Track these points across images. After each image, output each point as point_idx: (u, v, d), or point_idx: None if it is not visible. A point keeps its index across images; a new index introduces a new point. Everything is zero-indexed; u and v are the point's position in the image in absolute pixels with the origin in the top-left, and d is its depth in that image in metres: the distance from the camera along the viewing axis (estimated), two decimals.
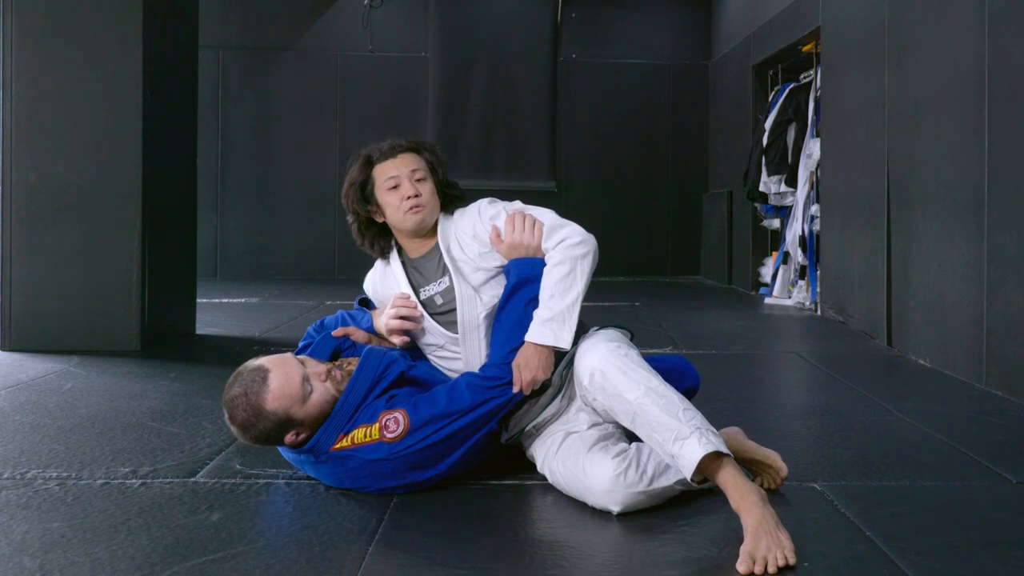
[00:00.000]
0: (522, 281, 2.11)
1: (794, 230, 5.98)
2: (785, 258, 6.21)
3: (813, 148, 5.72)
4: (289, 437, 1.97)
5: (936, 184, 3.80)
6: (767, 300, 6.20)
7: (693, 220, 8.48)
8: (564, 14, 8.42)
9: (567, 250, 2.10)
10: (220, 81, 8.02)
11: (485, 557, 1.68)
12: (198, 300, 4.75)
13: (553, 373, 2.05)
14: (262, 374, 1.96)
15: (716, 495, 1.97)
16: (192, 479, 2.13)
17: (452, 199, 2.29)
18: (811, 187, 5.75)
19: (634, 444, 1.98)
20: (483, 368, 2.08)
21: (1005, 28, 3.25)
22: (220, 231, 8.01)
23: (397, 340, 2.23)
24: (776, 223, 6.52)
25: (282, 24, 8.16)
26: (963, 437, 2.57)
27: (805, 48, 6.04)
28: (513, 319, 2.08)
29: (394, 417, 1.95)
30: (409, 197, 2.18)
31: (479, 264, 2.19)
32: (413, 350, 2.30)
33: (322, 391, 1.99)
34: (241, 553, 1.67)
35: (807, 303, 5.79)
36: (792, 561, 1.60)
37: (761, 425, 2.65)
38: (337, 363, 2.11)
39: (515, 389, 2.01)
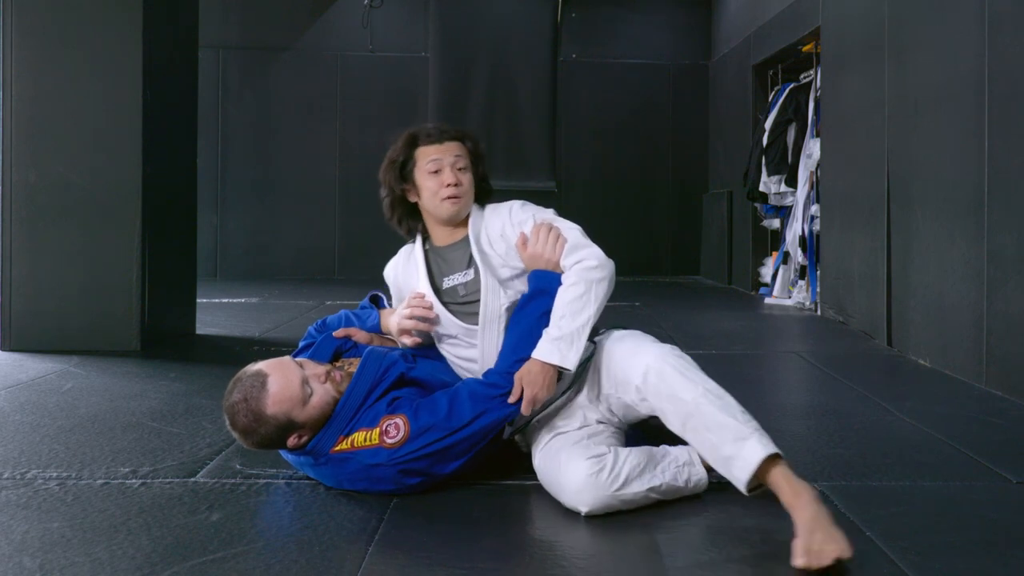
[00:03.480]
0: (540, 291, 2.09)
1: (794, 230, 5.98)
2: (785, 258, 6.22)
3: (813, 148, 5.72)
4: (291, 440, 1.97)
5: (936, 184, 3.80)
6: (767, 300, 6.20)
7: (693, 220, 8.48)
8: (564, 14, 8.42)
9: (583, 272, 2.08)
10: (220, 81, 8.02)
11: (485, 557, 1.68)
12: (198, 300, 4.75)
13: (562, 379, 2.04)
14: (261, 379, 1.95)
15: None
16: (192, 479, 2.13)
17: (485, 193, 2.30)
18: (811, 187, 5.75)
19: (613, 448, 1.96)
20: (487, 374, 2.06)
21: (1005, 28, 3.25)
22: (220, 231, 8.01)
23: (408, 341, 2.23)
24: (776, 223, 6.52)
25: (282, 24, 8.16)
26: (963, 437, 2.57)
27: (805, 48, 6.04)
28: (524, 327, 2.06)
29: (395, 423, 1.94)
30: (449, 185, 2.17)
31: (505, 261, 2.19)
32: (426, 347, 2.29)
33: (322, 393, 1.98)
34: (241, 553, 1.67)
35: (807, 303, 5.79)
36: (848, 555, 1.58)
37: (761, 425, 2.64)
38: (337, 364, 2.11)
39: (511, 399, 1.98)
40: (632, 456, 1.93)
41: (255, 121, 8.13)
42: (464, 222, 2.24)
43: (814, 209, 5.64)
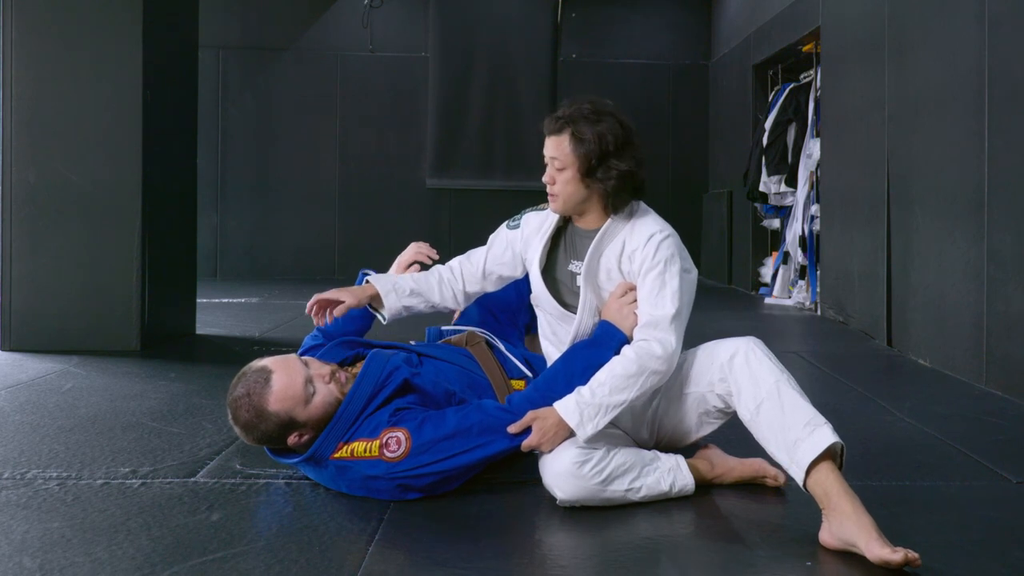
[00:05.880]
0: (600, 343, 2.04)
1: (794, 230, 5.98)
2: (785, 258, 6.22)
3: (813, 148, 5.72)
4: (292, 439, 1.97)
5: (936, 184, 3.80)
6: (767, 300, 6.20)
7: (693, 220, 8.48)
8: (564, 14, 8.42)
9: (646, 356, 1.96)
10: (220, 81, 8.02)
11: (485, 557, 1.68)
12: (198, 300, 4.75)
13: None
14: (265, 375, 1.95)
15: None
16: (192, 479, 2.13)
17: (622, 193, 2.09)
18: (811, 187, 5.75)
19: (605, 446, 1.95)
20: (512, 398, 2.03)
21: (1005, 28, 3.25)
22: (220, 231, 8.01)
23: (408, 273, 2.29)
24: (776, 223, 6.52)
25: (282, 24, 8.16)
26: (963, 437, 2.57)
27: (805, 48, 6.04)
28: (569, 369, 2.02)
29: (396, 437, 1.93)
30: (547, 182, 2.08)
31: (613, 276, 2.11)
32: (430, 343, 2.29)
33: (325, 393, 1.98)
34: (241, 553, 1.67)
35: (807, 303, 5.79)
36: (915, 555, 1.58)
37: None
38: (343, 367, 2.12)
39: (513, 430, 1.94)
40: (620, 455, 1.93)
41: (255, 121, 8.13)
42: (605, 216, 2.12)
43: (814, 209, 5.64)
